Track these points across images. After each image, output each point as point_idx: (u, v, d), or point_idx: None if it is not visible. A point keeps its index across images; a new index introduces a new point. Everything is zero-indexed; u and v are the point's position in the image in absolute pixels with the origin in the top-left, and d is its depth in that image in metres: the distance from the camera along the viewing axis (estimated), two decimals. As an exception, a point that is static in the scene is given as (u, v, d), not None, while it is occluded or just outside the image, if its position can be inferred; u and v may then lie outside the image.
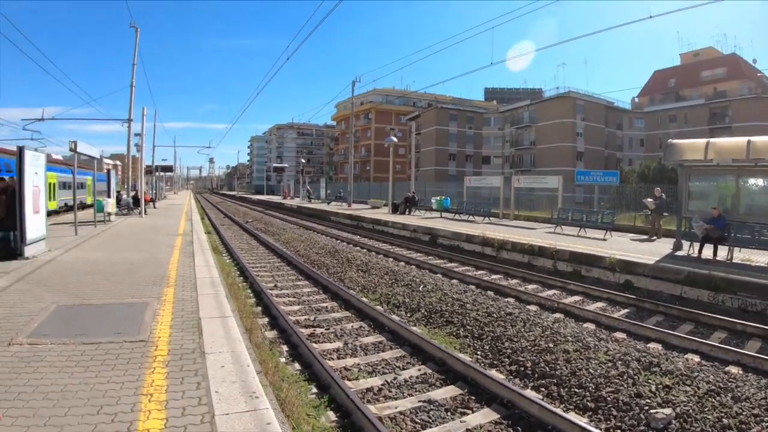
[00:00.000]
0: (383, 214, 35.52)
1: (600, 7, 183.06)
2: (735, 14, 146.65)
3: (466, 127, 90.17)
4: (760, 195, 17.51)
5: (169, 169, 68.32)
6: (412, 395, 6.72)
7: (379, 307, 11.07)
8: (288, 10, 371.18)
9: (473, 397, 6.66)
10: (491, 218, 30.26)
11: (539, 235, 20.98)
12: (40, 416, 4.21)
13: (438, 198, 35.71)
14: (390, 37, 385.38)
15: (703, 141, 16.91)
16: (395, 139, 38.31)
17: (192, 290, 9.48)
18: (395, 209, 37.12)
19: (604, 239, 19.98)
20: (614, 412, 6.25)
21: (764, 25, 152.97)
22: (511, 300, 12.12)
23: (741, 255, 16.14)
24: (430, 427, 5.93)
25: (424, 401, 6.49)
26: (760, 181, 17.21)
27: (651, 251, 16.56)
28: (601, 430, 5.91)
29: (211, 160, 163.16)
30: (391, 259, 17.98)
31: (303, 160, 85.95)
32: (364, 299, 11.66)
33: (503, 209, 32.36)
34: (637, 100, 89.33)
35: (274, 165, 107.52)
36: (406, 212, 35.86)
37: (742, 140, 16.02)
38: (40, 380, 4.99)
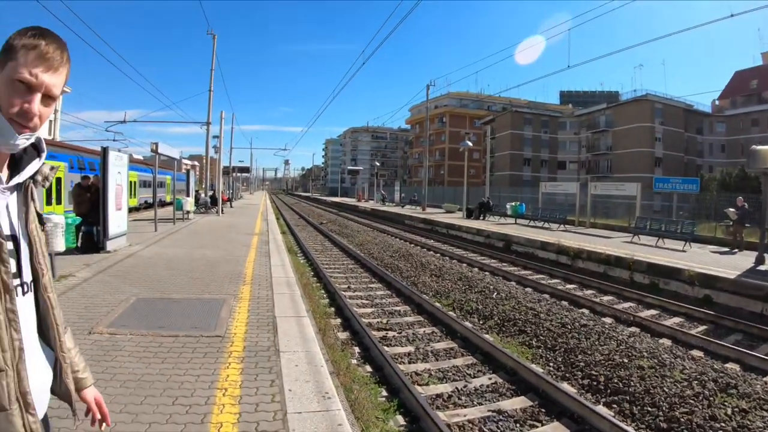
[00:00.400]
0: (457, 218, 35.31)
1: (678, 7, 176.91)
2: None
3: (541, 131, 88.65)
4: None
5: (245, 170, 70.08)
6: (482, 404, 6.59)
7: (451, 313, 10.94)
8: (364, 15, 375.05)
9: (543, 410, 6.47)
10: (566, 225, 29.65)
11: (616, 245, 20.38)
12: (116, 403, 4.32)
13: (513, 204, 35.20)
14: (464, 40, 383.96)
15: None
16: (470, 144, 38.12)
17: (267, 289, 9.62)
18: (469, 214, 36.88)
19: (683, 251, 19.20)
20: None
21: None
22: (586, 311, 11.77)
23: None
24: None
25: (493, 411, 6.36)
26: None
27: (732, 265, 15.80)
28: None
29: (286, 162, 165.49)
30: (464, 265, 17.80)
31: (377, 163, 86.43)
32: (437, 304, 11.55)
33: (579, 216, 31.62)
34: (717, 102, 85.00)
35: (349, 168, 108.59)
36: (480, 217, 35.57)
37: None
38: (117, 369, 5.14)
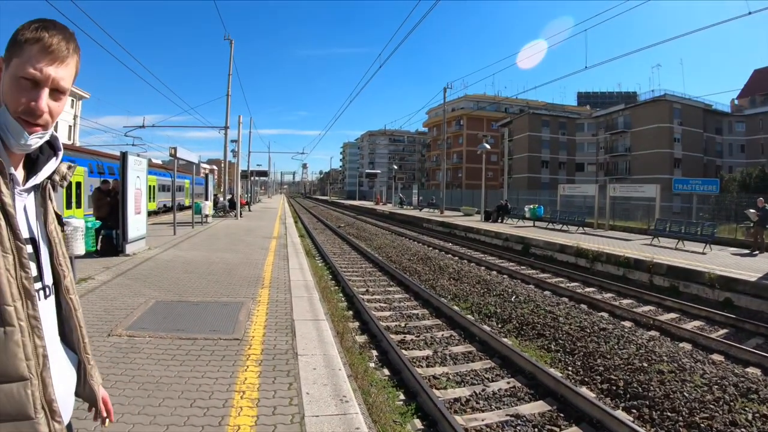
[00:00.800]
0: (475, 221, 35.20)
1: (695, 6, 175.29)
2: None
3: (559, 133, 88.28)
4: None
5: (263, 174, 70.40)
6: (500, 408, 6.55)
7: (470, 317, 10.89)
8: (380, 17, 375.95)
9: (562, 415, 6.42)
10: (585, 228, 29.44)
11: (635, 247, 20.19)
12: (134, 405, 4.36)
13: (531, 206, 35.02)
14: (480, 42, 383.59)
15: None
16: (488, 146, 38.01)
17: (286, 292, 9.64)
18: (487, 217, 36.73)
19: (704, 253, 18.98)
20: None
21: None
22: (605, 315, 11.68)
23: None
24: None
25: (511, 415, 6.31)
26: None
27: (753, 267, 15.59)
28: None
29: (304, 166, 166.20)
30: (483, 268, 17.74)
31: (395, 167, 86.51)
32: (455, 308, 11.54)
33: (598, 219, 31.37)
34: (736, 102, 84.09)
35: (366, 171, 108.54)
36: (499, 220, 35.43)
37: None
38: (136, 371, 5.18)
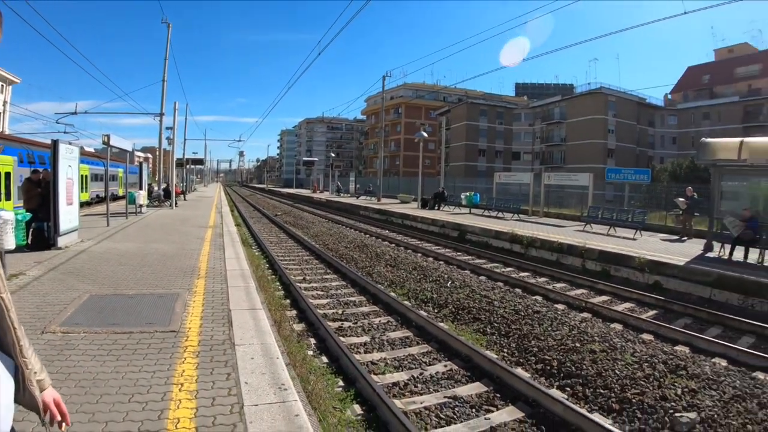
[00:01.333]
0: (412, 209, 35.50)
1: (633, 4, 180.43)
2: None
3: (496, 122, 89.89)
4: None
5: (199, 162, 69.15)
6: (438, 391, 6.71)
7: (407, 302, 11.04)
8: (321, 3, 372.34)
9: (498, 395, 6.63)
10: (520, 215, 30.13)
11: (568, 233, 20.82)
12: (72, 403, 4.28)
13: (467, 194, 35.52)
14: (421, 32, 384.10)
15: (737, 140, 16.62)
16: (425, 135, 38.26)
17: (222, 282, 9.59)
18: (424, 204, 37.12)
19: (634, 239, 19.74)
20: (639, 414, 6.21)
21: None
22: (539, 298, 12.05)
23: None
24: (455, 423, 5.92)
25: (449, 397, 6.47)
26: None
27: (681, 252, 16.32)
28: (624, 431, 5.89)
29: (240, 153, 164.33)
30: (419, 255, 17.97)
31: (332, 154, 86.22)
32: (392, 294, 11.67)
33: (532, 206, 32.15)
34: (669, 97, 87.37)
35: (304, 159, 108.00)
36: (435, 207, 35.85)
37: None
38: (72, 368, 5.10)
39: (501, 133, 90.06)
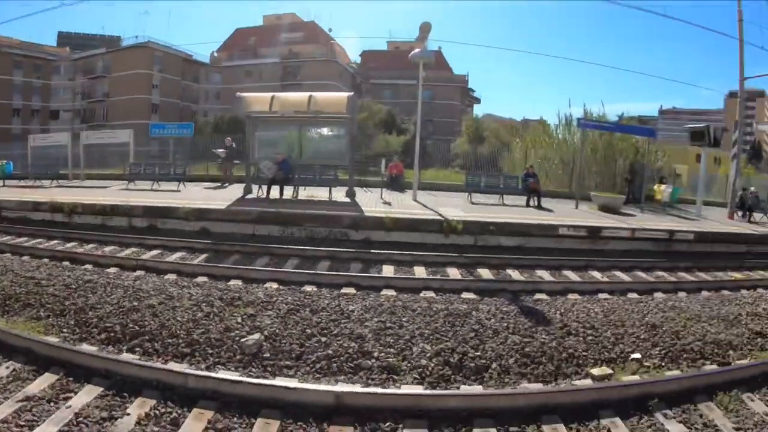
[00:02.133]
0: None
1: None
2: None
3: (34, 76, 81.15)
4: (320, 142, 20.36)
5: None
6: (8, 398, 5.86)
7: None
8: None
9: (71, 378, 6.18)
10: (60, 181, 28.18)
11: (112, 193, 20.35)
12: None
13: (1, 163, 31.71)
14: None
15: (268, 95, 18.68)
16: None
17: None
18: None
19: (178, 190, 20.42)
20: (210, 351, 6.63)
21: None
22: (89, 266, 11.37)
23: (306, 192, 18.51)
24: (39, 425, 5.41)
25: (22, 400, 5.75)
26: (323, 130, 20.03)
27: (224, 197, 17.62)
28: (202, 369, 6.22)
29: None
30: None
31: None
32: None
33: (73, 170, 30.38)
34: (216, 55, 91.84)
35: None
36: (-41, 188, 31.05)
37: (304, 95, 18.39)
38: None
39: (38, 89, 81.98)
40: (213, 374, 5.99)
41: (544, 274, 11.92)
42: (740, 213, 24.19)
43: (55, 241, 14.78)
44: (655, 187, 25.89)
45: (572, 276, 11.98)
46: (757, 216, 23.92)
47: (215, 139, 32.24)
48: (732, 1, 27.19)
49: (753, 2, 77.38)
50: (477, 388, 6.18)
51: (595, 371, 6.78)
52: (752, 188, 29.12)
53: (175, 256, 12.26)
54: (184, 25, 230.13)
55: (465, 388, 6.17)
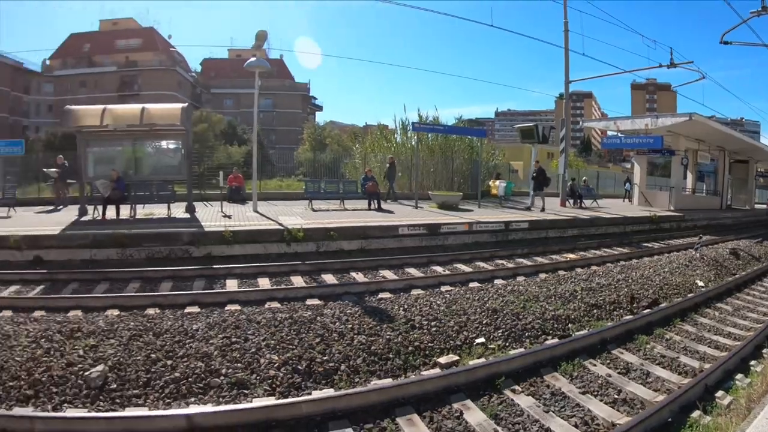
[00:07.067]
0: None
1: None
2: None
3: None
4: (156, 156, 19.79)
5: None
6: None
7: None
8: None
9: None
10: None
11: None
12: None
13: None
14: None
15: (99, 107, 17.84)
16: None
17: None
18: None
19: (8, 216, 18.97)
20: (54, 389, 6.37)
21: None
22: None
23: (145, 211, 18.01)
24: None
25: None
26: (159, 144, 19.51)
27: (58, 221, 16.57)
28: (48, 410, 5.98)
29: None
30: None
31: None
32: None
33: None
34: (48, 62, 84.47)
35: None
36: None
37: (137, 107, 17.81)
38: None
39: None
40: (60, 414, 5.85)
41: (388, 274, 12.50)
42: (571, 201, 26.80)
43: None
44: (491, 182, 27.75)
45: (415, 272, 12.66)
46: (587, 202, 26.68)
47: (49, 156, 30.25)
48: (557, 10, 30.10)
49: (574, 12, 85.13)
50: (328, 391, 6.42)
51: (442, 359, 7.32)
52: (584, 178, 32.23)
53: (10, 290, 11.35)
54: (12, 29, 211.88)
55: (316, 393, 6.42)
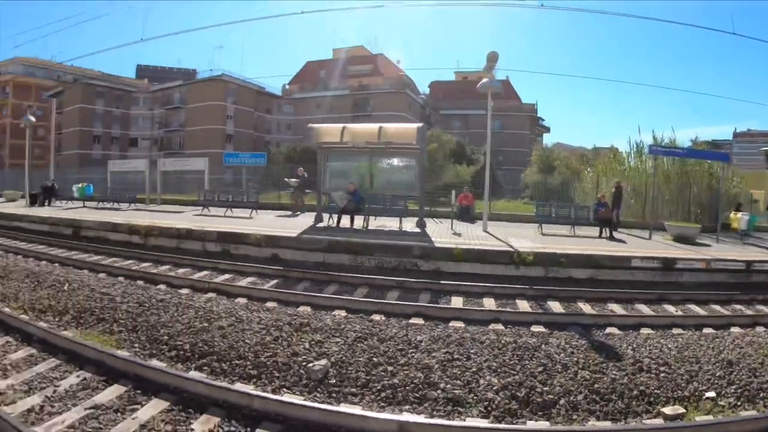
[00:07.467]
0: (21, 207, 31.78)
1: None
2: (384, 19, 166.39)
3: (114, 106, 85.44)
4: (391, 173, 20.66)
5: None
6: (77, 404, 6.32)
7: (23, 316, 10.07)
8: None
9: (139, 391, 6.59)
10: (137, 204, 29.68)
11: (187, 218, 21.33)
12: None
13: (80, 185, 33.31)
14: None
15: (339, 126, 19.18)
16: (33, 119, 34.36)
17: None
18: (33, 201, 33.43)
19: (251, 217, 21.08)
20: (276, 374, 6.94)
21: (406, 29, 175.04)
22: (162, 286, 12.09)
23: (376, 222, 18.75)
24: None
25: (90, 408, 6.19)
26: (393, 161, 20.38)
27: (295, 225, 18.17)
28: (267, 392, 6.47)
29: None
30: (31, 259, 16.13)
31: None
32: (5, 309, 10.53)
33: (150, 194, 31.77)
34: (287, 87, 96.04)
35: None
36: (46, 203, 32.73)
37: (374, 126, 18.70)
38: None
39: (119, 117, 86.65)
40: (279, 397, 6.29)
41: (616, 308, 11.77)
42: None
43: (131, 261, 15.58)
44: (731, 214, 24.96)
45: (645, 310, 11.79)
46: None
47: (287, 168, 33.16)
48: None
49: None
50: (544, 424, 6.18)
51: (667, 410, 6.66)
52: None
53: (246, 281, 12.75)
54: (257, 59, 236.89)
55: (531, 424, 6.19)
